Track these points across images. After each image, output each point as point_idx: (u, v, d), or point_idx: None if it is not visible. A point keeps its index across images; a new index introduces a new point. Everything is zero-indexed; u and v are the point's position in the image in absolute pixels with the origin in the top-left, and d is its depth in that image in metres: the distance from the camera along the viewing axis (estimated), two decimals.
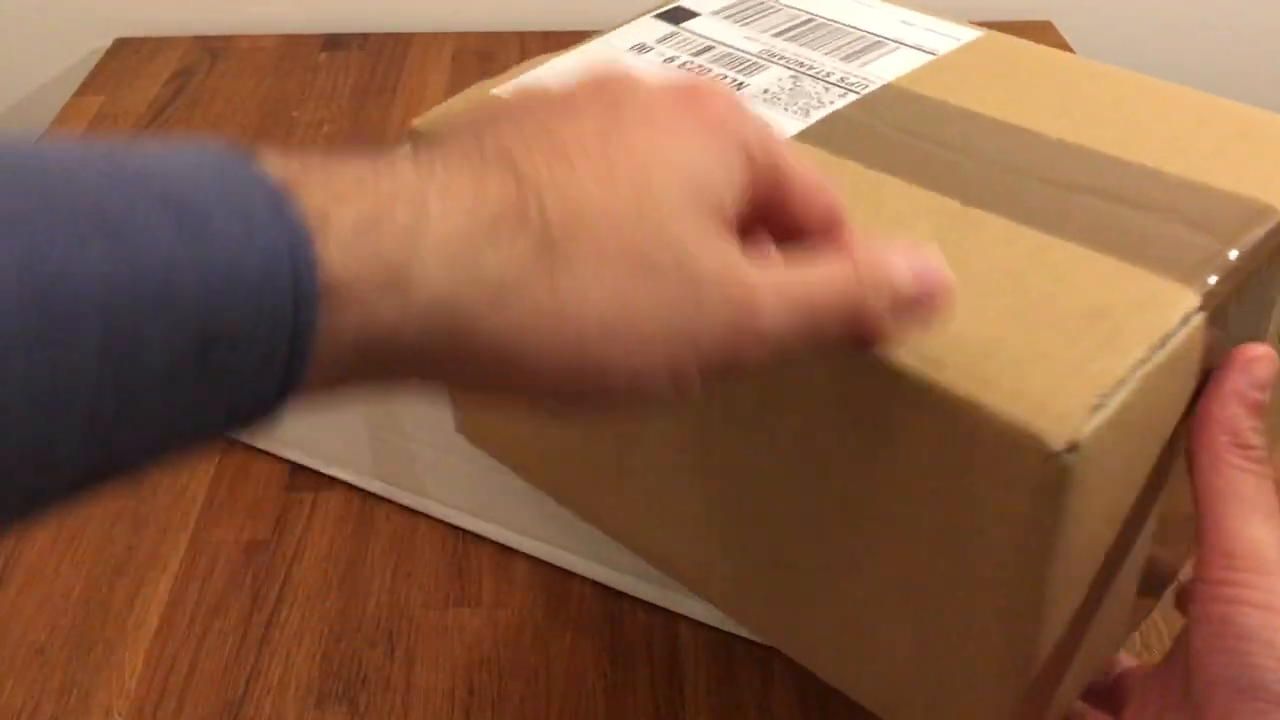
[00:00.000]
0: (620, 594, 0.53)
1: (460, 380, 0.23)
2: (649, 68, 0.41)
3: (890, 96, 0.39)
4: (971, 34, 0.43)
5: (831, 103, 0.39)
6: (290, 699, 0.49)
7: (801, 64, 0.41)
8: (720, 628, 0.51)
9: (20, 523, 0.20)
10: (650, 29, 0.44)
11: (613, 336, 0.22)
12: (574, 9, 1.03)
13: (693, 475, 0.38)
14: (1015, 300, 0.30)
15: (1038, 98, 0.39)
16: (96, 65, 0.98)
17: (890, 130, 0.37)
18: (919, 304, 0.27)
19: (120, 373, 0.18)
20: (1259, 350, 0.31)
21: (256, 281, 0.19)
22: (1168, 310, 0.29)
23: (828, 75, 0.41)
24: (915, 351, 0.29)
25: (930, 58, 0.41)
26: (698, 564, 0.40)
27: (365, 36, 1.01)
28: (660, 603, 0.52)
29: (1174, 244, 0.31)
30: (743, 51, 0.42)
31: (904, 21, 0.45)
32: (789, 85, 0.40)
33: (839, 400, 0.31)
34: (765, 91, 0.40)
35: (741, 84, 0.40)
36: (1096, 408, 0.27)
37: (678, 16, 0.44)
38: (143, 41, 1.01)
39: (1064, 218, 0.33)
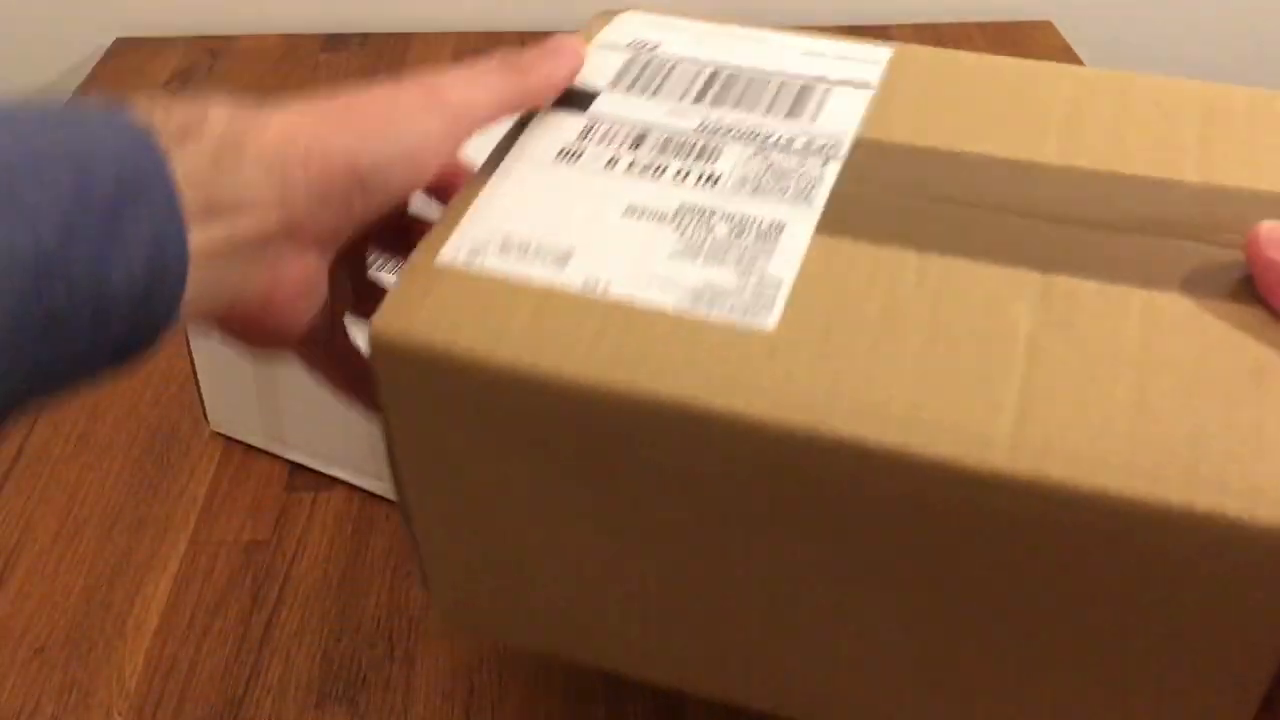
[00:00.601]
0: None
1: (305, 186, 0.31)
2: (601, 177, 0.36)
3: (873, 155, 0.36)
4: (884, 52, 0.41)
5: (820, 178, 0.35)
6: (290, 699, 0.49)
7: (754, 134, 0.37)
8: None
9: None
10: (562, 126, 0.38)
11: (368, 111, 0.33)
12: (574, 9, 1.03)
13: (837, 625, 0.34)
14: (1169, 378, 0.29)
15: (1009, 119, 0.37)
16: (96, 65, 0.98)
17: (907, 200, 0.34)
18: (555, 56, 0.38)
19: (72, 220, 0.26)
20: None
21: (130, 151, 0.28)
22: None
23: (790, 142, 0.37)
24: (1115, 467, 0.27)
25: (870, 93, 0.39)
26: (810, 698, 0.36)
27: (365, 36, 1.01)
28: None
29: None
30: (682, 132, 0.37)
31: (809, 54, 0.41)
32: (762, 167, 0.36)
33: (1033, 538, 0.29)
34: (745, 182, 0.35)
35: (714, 177, 0.36)
36: None
37: (580, 102, 0.39)
38: (143, 41, 1.01)
39: (1144, 267, 0.32)
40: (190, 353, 0.59)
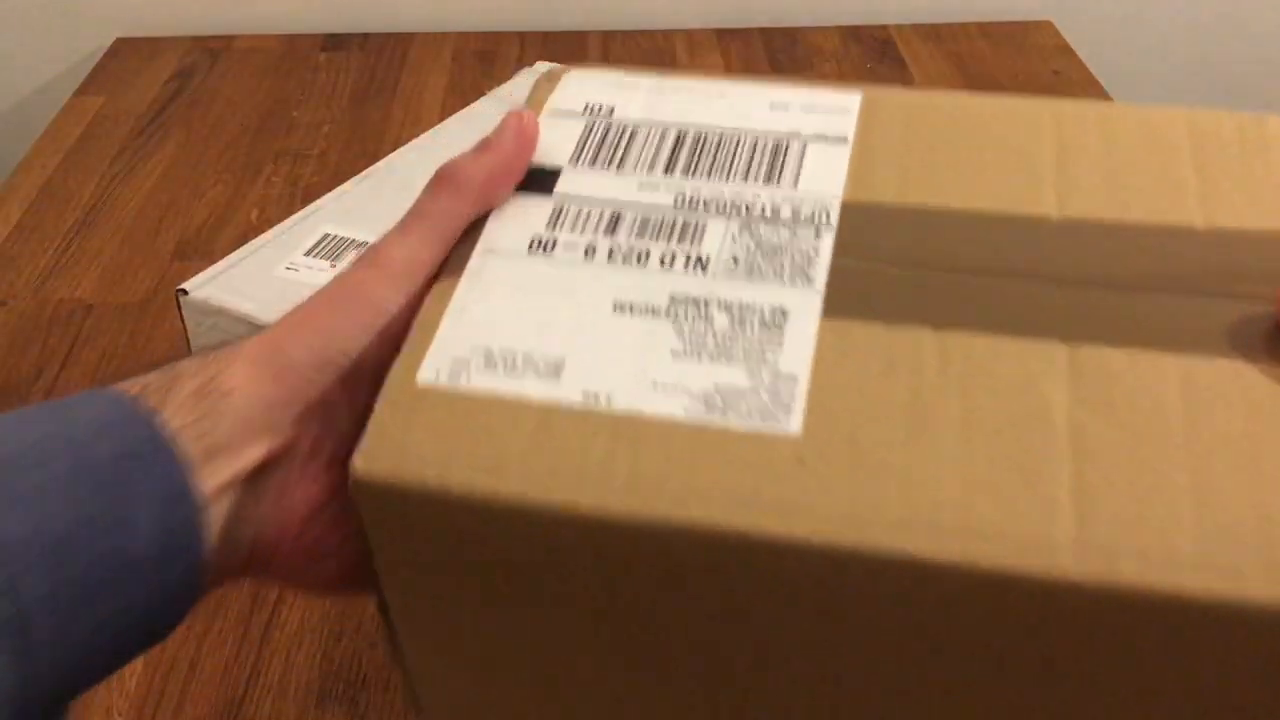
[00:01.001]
0: None
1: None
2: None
3: (865, 221, 0.34)
4: (853, 99, 0.38)
5: (815, 252, 0.33)
6: (290, 699, 0.49)
7: (736, 206, 0.34)
8: None
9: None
10: (529, 212, 0.35)
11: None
12: (574, 9, 1.03)
13: None
14: (1225, 457, 0.27)
15: (998, 167, 0.35)
16: (96, 65, 0.98)
17: (911, 271, 0.32)
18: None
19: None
20: None
21: (120, 424, 0.29)
22: None
23: (776, 213, 0.34)
24: (1189, 565, 0.26)
25: (846, 147, 0.36)
26: None
27: (365, 36, 1.01)
28: None
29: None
30: (659, 208, 0.34)
31: (775, 106, 0.38)
32: (752, 244, 0.33)
33: (1103, 640, 0.27)
34: (737, 263, 0.33)
35: (702, 259, 0.33)
36: None
37: (543, 183, 0.36)
38: (143, 41, 1.01)
39: (1170, 329, 0.30)
40: (190, 352, 0.59)
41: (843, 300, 0.31)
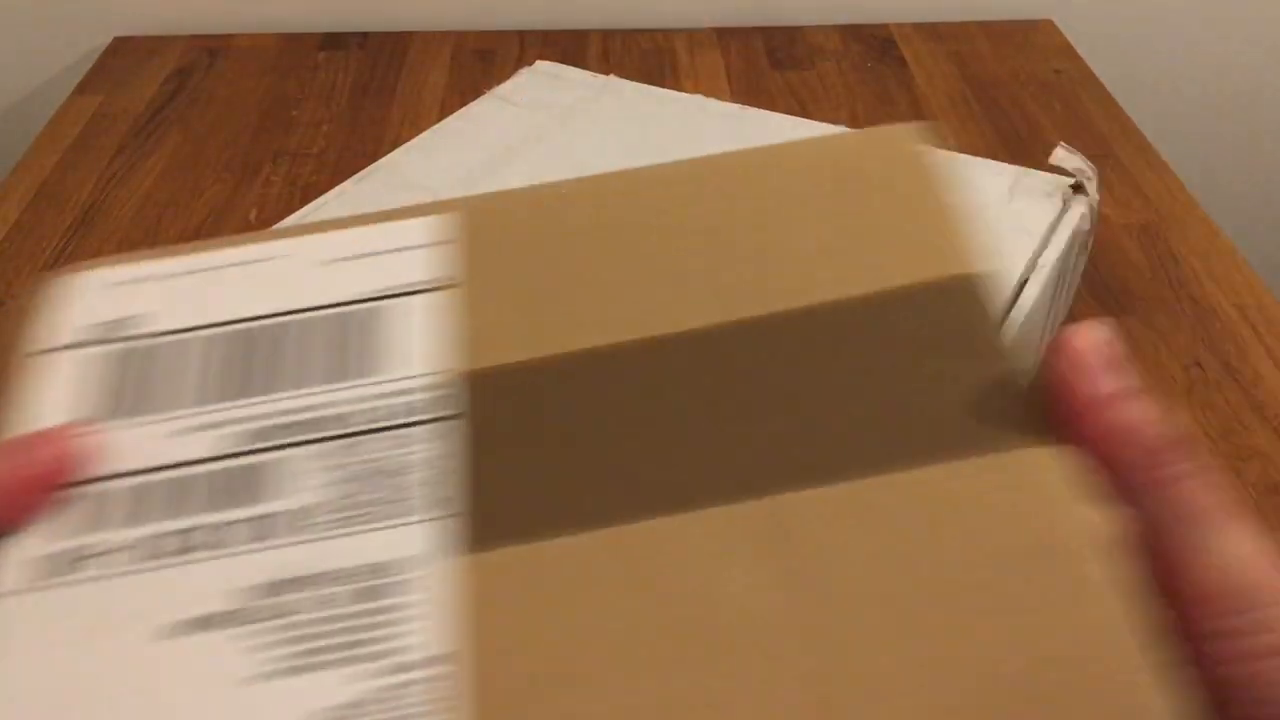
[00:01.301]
0: None
1: None
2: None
3: (486, 398, 0.26)
4: (424, 227, 0.30)
5: (432, 464, 0.25)
6: None
7: (312, 428, 0.26)
8: None
9: None
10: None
11: None
12: (574, 9, 1.03)
13: None
14: (932, 606, 0.23)
15: (617, 274, 0.28)
16: (95, 64, 0.98)
17: (558, 455, 0.25)
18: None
19: None
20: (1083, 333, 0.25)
21: None
22: (1077, 486, 0.23)
23: (368, 421, 0.26)
24: None
25: (439, 293, 0.28)
26: None
27: (364, 35, 1.01)
28: None
29: (983, 400, 0.25)
30: (208, 460, 0.26)
31: (336, 261, 0.29)
32: (343, 478, 0.25)
33: None
34: (325, 512, 0.24)
35: (275, 523, 0.24)
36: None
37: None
38: (142, 41, 1.01)
39: (845, 445, 0.25)
40: None
41: (481, 523, 0.24)
